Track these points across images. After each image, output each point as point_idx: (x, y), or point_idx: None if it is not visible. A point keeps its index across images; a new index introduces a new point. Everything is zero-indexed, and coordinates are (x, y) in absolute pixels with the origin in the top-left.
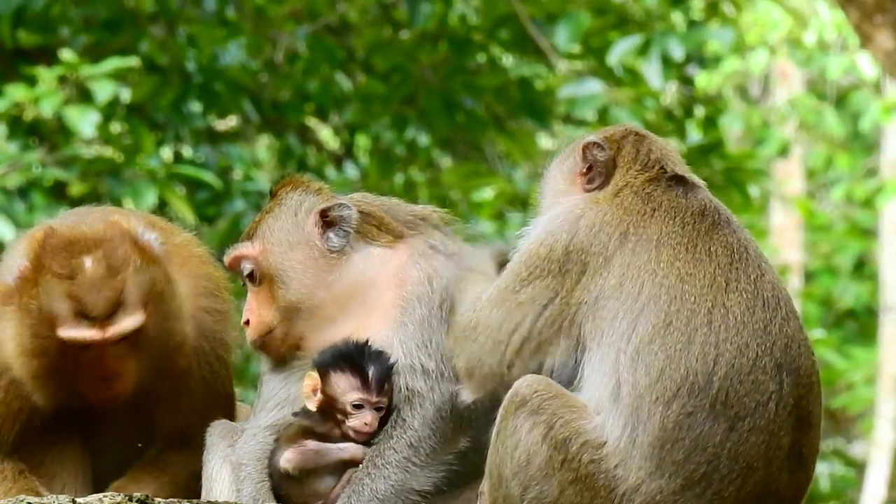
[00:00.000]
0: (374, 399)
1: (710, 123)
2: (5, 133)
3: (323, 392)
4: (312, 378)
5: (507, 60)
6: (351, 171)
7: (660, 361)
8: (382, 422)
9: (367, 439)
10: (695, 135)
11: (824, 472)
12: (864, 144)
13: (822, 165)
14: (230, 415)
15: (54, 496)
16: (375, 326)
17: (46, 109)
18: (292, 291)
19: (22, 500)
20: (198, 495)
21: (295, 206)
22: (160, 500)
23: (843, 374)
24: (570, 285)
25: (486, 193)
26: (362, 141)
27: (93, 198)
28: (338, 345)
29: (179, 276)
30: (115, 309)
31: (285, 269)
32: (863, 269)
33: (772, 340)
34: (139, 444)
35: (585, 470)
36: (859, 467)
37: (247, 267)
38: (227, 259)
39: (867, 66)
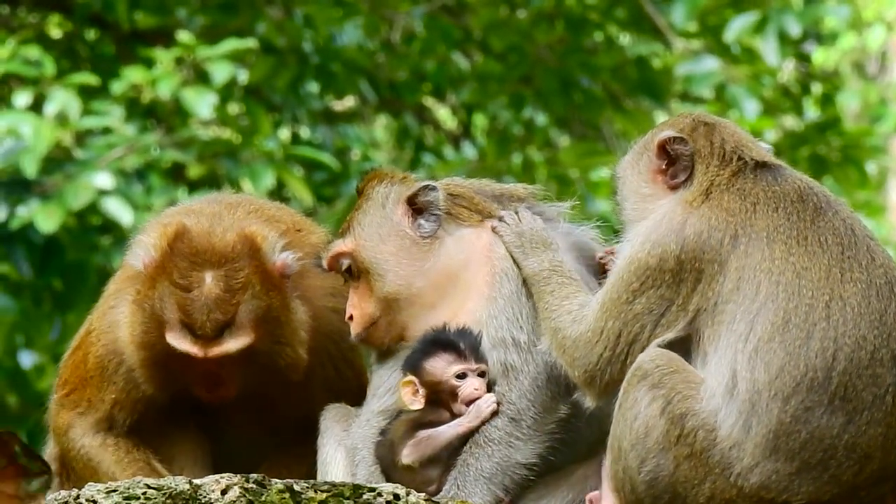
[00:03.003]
0: (474, 366)
1: (827, 100)
2: (123, 115)
3: (424, 384)
4: (408, 382)
5: (624, 39)
6: (468, 150)
7: (779, 359)
8: None
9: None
10: (812, 112)
11: None
12: None
13: None
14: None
15: (171, 477)
16: (470, 306)
17: (164, 91)
18: (388, 283)
19: (139, 482)
20: None
21: (382, 198)
22: (275, 480)
23: None
24: (686, 293)
25: (604, 173)
26: (479, 121)
27: (210, 179)
28: (419, 340)
29: (307, 280)
30: (222, 331)
31: (379, 262)
32: None
33: (888, 331)
34: (263, 433)
35: (700, 446)
36: None
37: (344, 263)
38: (325, 260)
39: None
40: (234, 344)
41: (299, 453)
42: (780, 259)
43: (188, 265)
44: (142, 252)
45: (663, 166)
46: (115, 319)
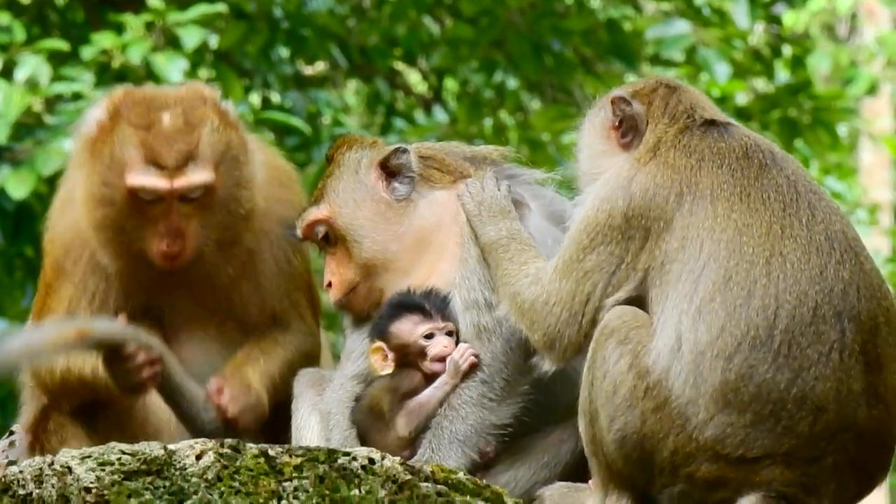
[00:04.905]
0: (441, 324)
1: (797, 63)
2: (93, 81)
3: (392, 348)
4: (376, 349)
5: (595, 2)
6: (440, 115)
7: (720, 318)
8: None
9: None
10: (783, 75)
11: None
12: None
13: None
14: (314, 305)
15: (145, 443)
16: (443, 267)
17: (134, 56)
18: (366, 248)
19: (114, 448)
20: None
21: (354, 164)
22: (250, 444)
23: None
24: (634, 251)
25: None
26: (451, 85)
27: None
28: (384, 305)
29: (254, 161)
30: (186, 161)
31: (356, 228)
32: None
33: (829, 287)
34: (222, 339)
35: (664, 397)
36: None
37: (321, 230)
38: (300, 228)
39: None
40: (198, 176)
41: (264, 348)
42: (722, 216)
43: (144, 108)
44: (91, 118)
45: (616, 123)
46: (70, 199)
